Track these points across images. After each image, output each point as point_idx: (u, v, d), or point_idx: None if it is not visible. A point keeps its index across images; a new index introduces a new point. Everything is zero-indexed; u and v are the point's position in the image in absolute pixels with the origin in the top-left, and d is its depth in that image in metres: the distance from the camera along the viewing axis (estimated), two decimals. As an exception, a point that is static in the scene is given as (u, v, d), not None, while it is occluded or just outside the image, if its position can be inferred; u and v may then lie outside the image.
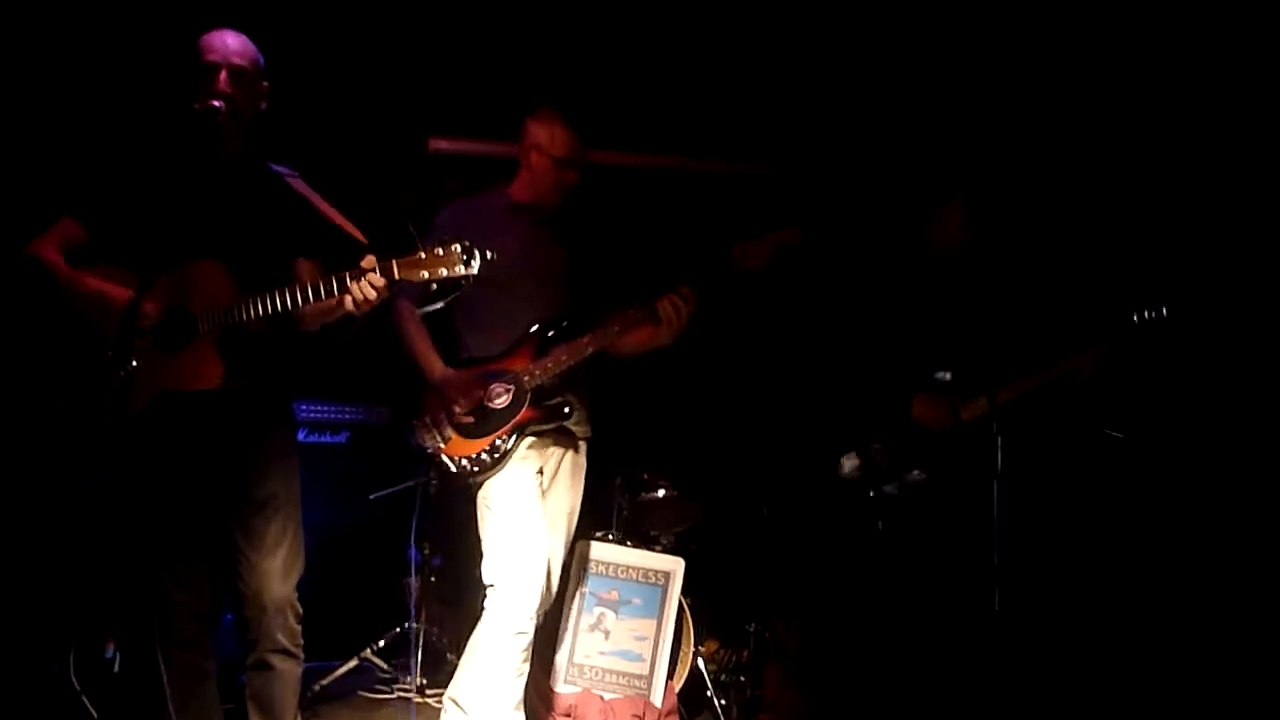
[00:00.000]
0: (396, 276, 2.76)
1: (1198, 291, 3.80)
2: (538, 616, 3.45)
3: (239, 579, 3.00)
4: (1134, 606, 4.06)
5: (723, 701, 4.03)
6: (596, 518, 4.16)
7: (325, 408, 4.56)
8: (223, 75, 2.89)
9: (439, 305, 3.14)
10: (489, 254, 2.80)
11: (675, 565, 4.09)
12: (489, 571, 3.41)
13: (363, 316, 2.84)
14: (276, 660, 3.01)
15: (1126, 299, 3.63)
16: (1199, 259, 4.14)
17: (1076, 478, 4.04)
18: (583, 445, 3.66)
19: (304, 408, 4.49)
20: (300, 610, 3.05)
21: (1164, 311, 3.56)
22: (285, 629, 3.01)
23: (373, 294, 2.76)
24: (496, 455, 3.39)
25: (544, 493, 3.55)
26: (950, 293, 3.87)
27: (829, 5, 4.62)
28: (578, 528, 3.80)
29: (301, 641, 3.06)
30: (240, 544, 2.98)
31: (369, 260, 2.76)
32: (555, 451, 3.58)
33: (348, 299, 2.77)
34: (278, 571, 2.98)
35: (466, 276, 2.77)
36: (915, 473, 3.80)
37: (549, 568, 3.51)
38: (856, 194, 4.94)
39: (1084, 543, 4.09)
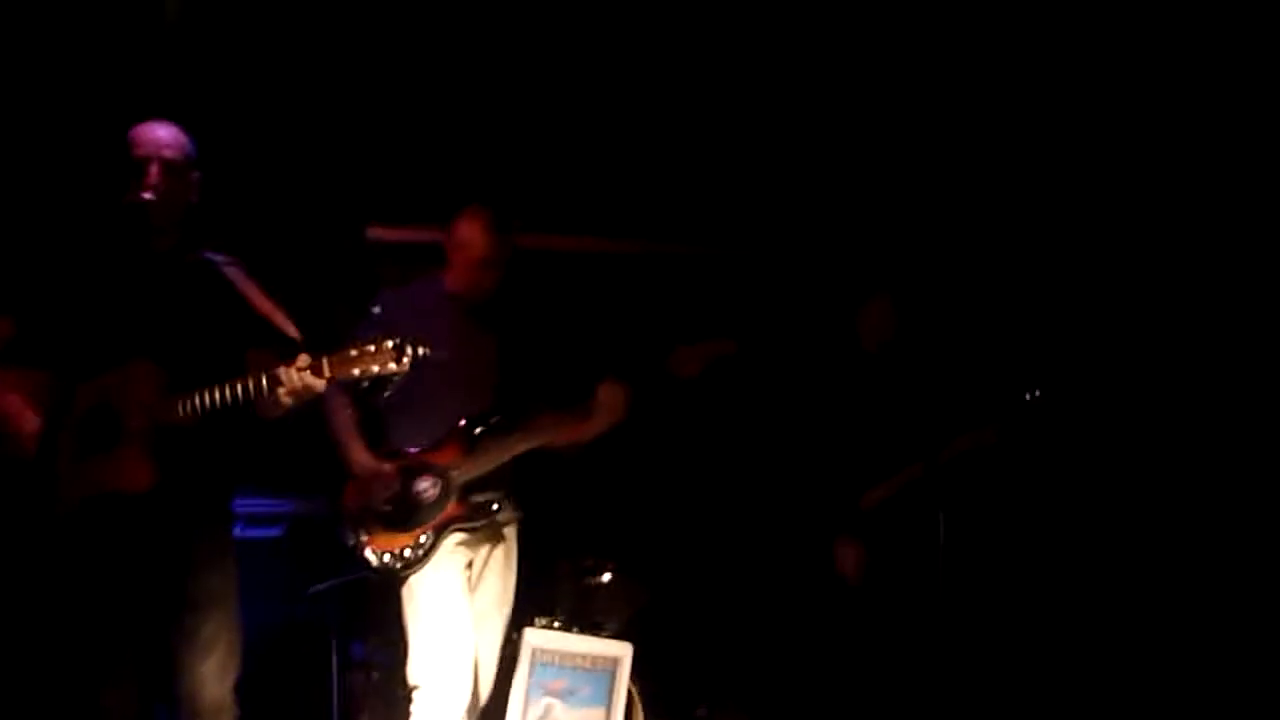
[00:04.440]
0: (327, 374, 2.75)
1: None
2: (469, 716, 3.40)
3: (174, 681, 2.90)
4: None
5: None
6: (540, 604, 4.10)
7: (260, 501, 4.46)
8: (154, 169, 2.86)
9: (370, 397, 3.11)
10: (421, 350, 2.79)
11: (623, 650, 4.01)
12: (414, 672, 3.37)
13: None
14: None
15: (1015, 381, 3.96)
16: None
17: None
18: (513, 531, 3.63)
19: (237, 501, 4.37)
20: (238, 712, 2.96)
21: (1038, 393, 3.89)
22: None
23: (308, 390, 2.74)
24: (421, 551, 3.35)
25: (473, 586, 3.50)
26: (878, 383, 4.09)
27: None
28: (523, 615, 3.75)
29: None
30: (174, 645, 2.89)
31: (303, 359, 2.74)
32: (485, 543, 3.54)
33: (283, 394, 2.74)
34: (212, 673, 2.89)
35: (399, 373, 2.76)
36: None
37: (478, 666, 3.45)
38: (789, 285, 5.04)
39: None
